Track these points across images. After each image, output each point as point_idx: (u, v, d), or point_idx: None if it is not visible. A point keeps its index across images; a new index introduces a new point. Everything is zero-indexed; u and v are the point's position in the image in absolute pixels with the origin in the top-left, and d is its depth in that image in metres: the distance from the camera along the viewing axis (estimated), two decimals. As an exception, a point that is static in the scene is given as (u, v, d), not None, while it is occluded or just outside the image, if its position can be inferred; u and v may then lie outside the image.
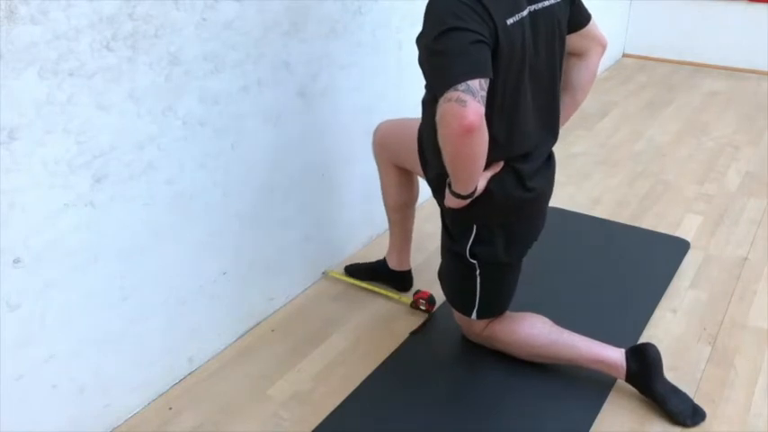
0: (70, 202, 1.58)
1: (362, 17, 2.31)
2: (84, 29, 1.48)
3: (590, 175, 3.27)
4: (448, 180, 1.65)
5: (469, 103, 1.40)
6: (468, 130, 1.42)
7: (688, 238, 2.70)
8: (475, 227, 1.80)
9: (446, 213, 1.85)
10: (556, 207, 2.92)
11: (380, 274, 2.40)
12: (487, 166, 1.64)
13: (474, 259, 1.85)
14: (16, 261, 1.50)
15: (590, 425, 1.84)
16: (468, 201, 1.67)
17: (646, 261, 2.56)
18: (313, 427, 1.85)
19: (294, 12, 2.02)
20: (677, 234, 2.74)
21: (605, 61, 4.91)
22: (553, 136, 1.81)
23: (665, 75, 4.77)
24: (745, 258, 2.59)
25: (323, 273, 2.50)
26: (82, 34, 1.48)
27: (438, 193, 1.81)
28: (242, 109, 1.95)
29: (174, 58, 1.71)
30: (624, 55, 5.18)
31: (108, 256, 1.70)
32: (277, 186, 2.17)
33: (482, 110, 1.43)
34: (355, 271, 2.47)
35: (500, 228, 1.80)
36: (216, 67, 1.83)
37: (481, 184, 1.65)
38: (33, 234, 1.52)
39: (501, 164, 1.70)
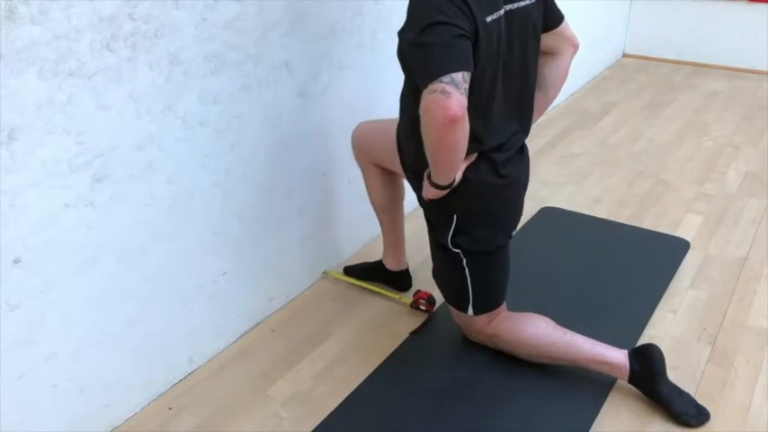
0: (70, 202, 1.58)
1: (362, 18, 2.31)
2: (84, 29, 1.48)
3: (590, 174, 3.26)
4: (427, 171, 1.69)
5: (453, 94, 1.44)
6: (452, 121, 1.45)
7: (688, 238, 2.70)
8: (455, 216, 1.84)
9: (427, 207, 1.89)
10: (556, 207, 2.93)
11: (379, 276, 2.41)
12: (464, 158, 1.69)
13: (457, 248, 1.88)
14: (16, 261, 1.50)
15: (590, 425, 1.84)
16: (447, 191, 1.71)
17: (646, 261, 2.56)
18: (313, 427, 1.85)
19: (294, 12, 2.02)
20: (677, 234, 2.74)
21: (605, 61, 4.91)
22: (524, 132, 1.87)
23: (665, 75, 4.77)
24: (745, 258, 2.59)
25: (323, 273, 2.50)
26: (82, 34, 1.48)
27: (417, 187, 1.84)
28: (242, 109, 1.95)
29: (174, 58, 1.71)
30: (624, 55, 5.18)
31: (108, 256, 1.70)
32: (277, 186, 2.17)
33: (465, 101, 1.47)
34: (354, 273, 2.47)
35: (479, 215, 1.84)
36: (216, 67, 1.83)
37: (458, 174, 1.70)
38: (33, 234, 1.52)
39: (476, 155, 1.75)
